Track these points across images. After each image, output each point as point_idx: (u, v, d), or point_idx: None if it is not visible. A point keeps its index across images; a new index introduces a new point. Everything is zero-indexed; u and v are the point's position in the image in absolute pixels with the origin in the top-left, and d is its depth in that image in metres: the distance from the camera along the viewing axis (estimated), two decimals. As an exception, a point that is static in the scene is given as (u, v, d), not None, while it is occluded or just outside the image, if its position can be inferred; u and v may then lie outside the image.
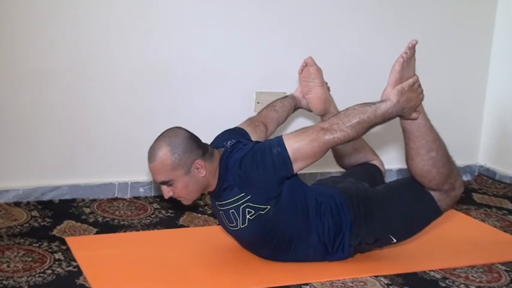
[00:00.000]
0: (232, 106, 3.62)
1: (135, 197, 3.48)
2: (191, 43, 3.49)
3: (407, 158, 2.75)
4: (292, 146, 2.53)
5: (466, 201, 3.75)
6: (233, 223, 2.64)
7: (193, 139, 2.60)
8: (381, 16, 3.85)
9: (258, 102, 3.67)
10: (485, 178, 4.10)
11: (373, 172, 3.19)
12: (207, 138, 3.44)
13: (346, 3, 3.77)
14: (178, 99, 3.51)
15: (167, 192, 2.58)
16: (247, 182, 2.56)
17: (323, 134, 2.53)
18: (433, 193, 2.75)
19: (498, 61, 4.16)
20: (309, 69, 3.14)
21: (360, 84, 3.87)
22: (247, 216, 2.59)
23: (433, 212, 2.79)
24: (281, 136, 2.59)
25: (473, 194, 3.94)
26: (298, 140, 2.54)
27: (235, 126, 3.56)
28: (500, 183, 4.01)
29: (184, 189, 2.57)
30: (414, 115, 2.70)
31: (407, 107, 2.64)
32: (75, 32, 3.26)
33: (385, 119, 2.67)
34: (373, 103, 2.67)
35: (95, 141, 3.38)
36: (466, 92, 4.20)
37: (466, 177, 4.12)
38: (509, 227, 3.26)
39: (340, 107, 3.80)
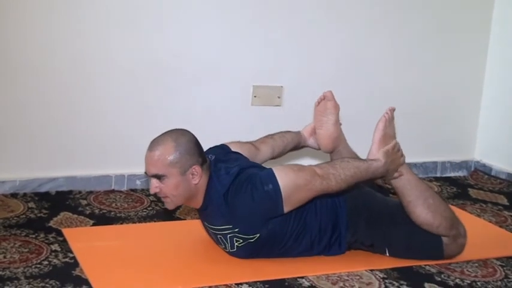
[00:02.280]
0: (230, 100, 3.64)
1: (131, 190, 3.48)
2: (188, 38, 3.49)
3: (410, 214, 2.75)
4: (286, 187, 2.50)
5: (461, 196, 3.77)
6: (222, 246, 2.67)
7: (197, 145, 2.60)
8: (378, 12, 3.86)
9: (255, 96, 3.68)
10: (481, 174, 4.11)
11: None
12: (205, 131, 3.46)
13: (345, 5, 3.78)
14: (175, 93, 3.51)
15: (155, 187, 2.54)
16: (234, 216, 2.56)
17: (319, 182, 2.53)
18: (442, 238, 2.78)
19: (494, 58, 4.16)
20: (327, 103, 3.06)
21: (353, 75, 3.90)
22: (236, 244, 2.61)
23: (435, 252, 2.80)
24: (271, 170, 2.55)
25: (469, 189, 3.95)
26: (292, 182, 2.51)
27: (231, 122, 3.60)
28: (496, 179, 4.02)
29: (173, 189, 2.54)
30: (396, 174, 2.74)
31: (392, 168, 2.70)
32: (73, 30, 3.27)
33: (373, 177, 2.73)
34: (365, 160, 2.71)
35: (92, 134, 3.39)
36: (462, 89, 4.20)
37: (462, 173, 4.13)
38: (504, 223, 3.27)
39: (345, 105, 3.84)
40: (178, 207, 3.13)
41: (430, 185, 3.68)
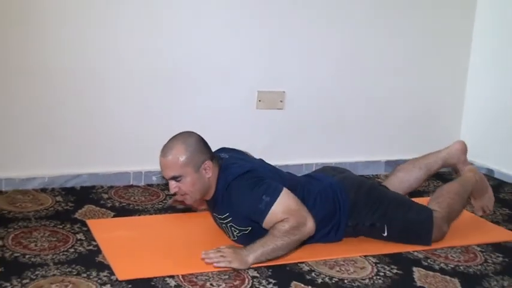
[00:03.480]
0: (237, 103, 3.63)
1: (148, 185, 3.49)
2: (198, 46, 3.48)
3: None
4: (277, 210, 2.46)
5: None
6: (227, 235, 2.69)
7: (204, 143, 2.60)
8: (372, 21, 3.85)
9: (259, 100, 3.67)
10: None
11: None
12: (214, 132, 3.47)
13: (338, 11, 3.75)
14: (188, 97, 3.50)
15: (174, 187, 2.54)
16: (230, 205, 2.56)
17: (298, 229, 2.48)
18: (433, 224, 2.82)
19: (476, 63, 4.13)
20: None
21: (348, 82, 3.88)
22: (234, 233, 2.63)
23: (425, 236, 2.83)
24: (281, 189, 2.51)
25: (453, 183, 3.95)
26: (283, 212, 2.47)
27: (238, 123, 3.60)
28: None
29: (191, 186, 2.54)
30: None
31: None
32: (95, 35, 3.26)
33: None
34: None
35: (113, 135, 3.39)
36: (446, 93, 4.18)
37: (447, 169, 4.12)
38: (484, 213, 3.27)
39: (333, 103, 3.84)
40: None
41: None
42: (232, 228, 2.62)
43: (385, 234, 2.79)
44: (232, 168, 2.60)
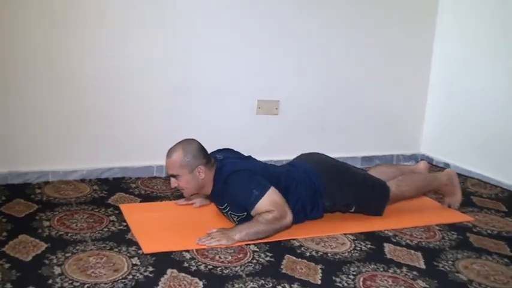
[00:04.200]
0: (240, 110, 3.63)
1: (168, 176, 3.48)
2: (210, 63, 3.47)
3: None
4: (264, 203, 2.47)
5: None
6: (230, 220, 2.68)
7: (202, 150, 2.61)
8: (349, 42, 3.84)
9: (259, 107, 3.67)
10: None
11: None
12: (221, 133, 3.49)
13: (321, 39, 3.73)
14: (200, 104, 3.50)
15: (173, 182, 2.61)
16: (227, 196, 2.58)
17: (279, 220, 2.48)
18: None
19: (436, 73, 4.11)
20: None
21: (333, 92, 3.87)
22: (235, 218, 2.64)
23: (379, 211, 2.89)
24: (269, 186, 2.51)
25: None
26: (269, 205, 2.47)
27: (241, 126, 3.60)
28: (436, 167, 4.01)
29: (186, 184, 2.59)
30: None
31: None
32: (126, 54, 3.27)
33: None
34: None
35: (139, 135, 3.39)
36: (411, 99, 4.16)
37: (412, 163, 4.13)
38: (442, 199, 3.26)
39: (318, 110, 3.84)
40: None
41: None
42: (232, 215, 2.63)
43: (353, 210, 2.83)
44: (226, 166, 2.61)
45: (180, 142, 2.61)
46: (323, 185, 2.72)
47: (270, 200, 2.49)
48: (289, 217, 2.52)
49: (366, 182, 2.87)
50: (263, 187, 2.51)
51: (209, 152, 2.69)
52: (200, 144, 2.63)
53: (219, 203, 2.69)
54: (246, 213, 2.57)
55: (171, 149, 2.59)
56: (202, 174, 2.58)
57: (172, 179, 2.61)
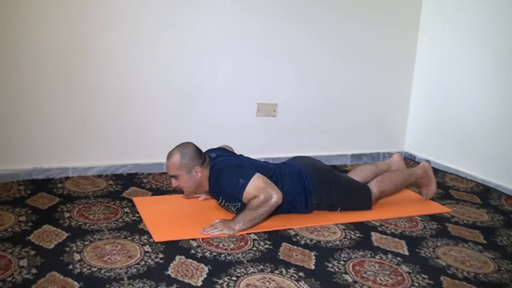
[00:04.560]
0: (242, 112, 3.63)
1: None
2: (215, 70, 3.48)
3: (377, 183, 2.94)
4: (250, 188, 2.45)
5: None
6: (229, 211, 2.69)
7: (198, 152, 2.62)
8: (340, 52, 3.85)
9: (258, 110, 3.67)
10: (409, 160, 4.12)
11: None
12: (225, 133, 3.49)
13: (315, 50, 3.74)
14: (206, 107, 3.50)
15: (174, 183, 2.62)
16: (221, 189, 2.59)
17: (267, 202, 2.45)
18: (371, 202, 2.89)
19: (418, 79, 4.11)
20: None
21: (325, 97, 3.87)
22: (232, 209, 2.64)
23: (363, 209, 2.89)
24: (254, 174, 2.49)
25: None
26: (254, 190, 2.45)
27: (242, 127, 3.61)
28: (418, 163, 4.00)
29: (185, 183, 2.61)
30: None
31: None
32: (134, 59, 3.28)
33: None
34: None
35: (151, 135, 3.39)
36: (396, 103, 4.16)
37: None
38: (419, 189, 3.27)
39: (312, 112, 3.85)
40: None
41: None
42: (229, 206, 2.64)
43: (338, 210, 2.83)
44: (217, 164, 2.62)
45: (177, 146, 2.62)
46: (312, 184, 2.73)
47: (254, 186, 2.46)
48: (275, 196, 2.46)
49: (350, 186, 2.89)
50: (247, 175, 2.50)
51: (204, 151, 2.69)
52: (196, 146, 2.64)
53: (216, 197, 2.71)
54: (240, 203, 2.56)
55: (170, 152, 2.60)
56: (199, 174, 2.60)
57: (173, 180, 2.62)
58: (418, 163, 4.00)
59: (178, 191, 3.10)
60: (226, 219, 2.55)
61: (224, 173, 2.56)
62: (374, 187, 2.90)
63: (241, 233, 2.50)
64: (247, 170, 2.55)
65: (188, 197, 2.95)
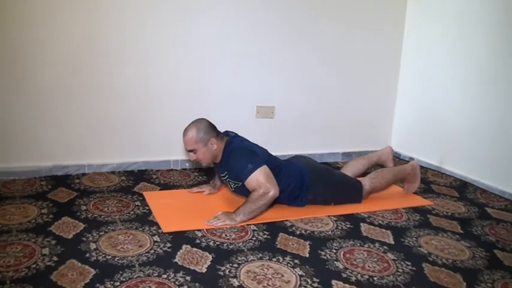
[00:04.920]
0: (242, 114, 3.63)
1: (183, 169, 3.49)
2: (218, 75, 3.47)
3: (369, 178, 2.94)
4: (254, 176, 2.45)
5: (382, 171, 3.78)
6: (228, 187, 2.68)
7: (211, 126, 2.61)
8: (332, 59, 3.84)
9: (257, 112, 3.67)
10: (394, 157, 4.10)
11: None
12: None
13: (308, 57, 3.73)
14: (209, 109, 3.46)
15: (192, 156, 2.59)
16: (228, 166, 2.57)
17: (266, 195, 2.46)
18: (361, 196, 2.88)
19: (403, 83, 4.10)
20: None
21: (319, 99, 3.86)
22: (232, 185, 2.63)
23: (355, 202, 2.88)
24: (262, 163, 2.49)
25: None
26: (257, 179, 2.45)
27: (243, 128, 3.56)
28: (403, 160, 4.02)
29: (202, 155, 2.57)
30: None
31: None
32: (145, 65, 3.28)
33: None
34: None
35: (159, 135, 3.39)
36: (382, 104, 4.15)
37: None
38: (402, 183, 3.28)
39: (306, 114, 3.84)
40: (214, 177, 3.16)
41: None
42: (230, 182, 2.62)
43: (332, 204, 2.82)
44: (235, 142, 2.61)
45: (192, 122, 2.60)
46: (310, 181, 2.73)
47: (256, 178, 2.46)
48: (272, 191, 2.46)
49: (345, 183, 2.89)
50: (257, 164, 2.49)
51: (223, 131, 2.68)
52: (209, 121, 2.62)
53: (221, 170, 2.66)
54: (240, 183, 2.56)
55: (186, 129, 2.57)
56: (215, 145, 2.57)
57: (191, 154, 2.59)
58: (404, 160, 4.03)
59: (183, 186, 3.11)
60: (229, 212, 2.55)
61: (237, 152, 2.54)
62: (367, 183, 2.90)
63: (242, 224, 2.50)
64: (258, 159, 2.54)
65: (194, 192, 2.95)
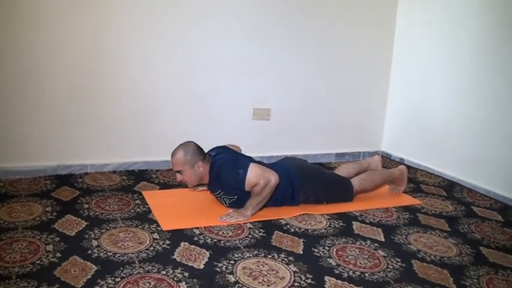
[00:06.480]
0: (239, 116, 3.63)
1: (182, 168, 3.49)
2: (217, 79, 3.47)
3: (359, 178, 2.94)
4: (250, 176, 2.46)
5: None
6: (222, 203, 2.67)
7: (198, 149, 2.61)
8: (326, 62, 3.84)
9: (254, 114, 3.67)
10: (385, 158, 4.12)
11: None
12: (225, 134, 3.48)
13: (303, 59, 3.74)
14: (209, 111, 3.50)
15: (179, 177, 2.60)
16: (221, 183, 2.57)
17: (267, 185, 2.47)
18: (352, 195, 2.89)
19: (394, 85, 4.10)
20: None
21: (312, 101, 3.86)
22: (227, 201, 2.63)
23: (347, 200, 2.88)
24: (249, 163, 2.51)
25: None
26: (254, 177, 2.46)
27: (240, 129, 3.59)
28: (394, 161, 4.03)
29: (189, 177, 2.59)
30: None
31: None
32: (149, 71, 3.27)
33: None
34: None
35: (159, 136, 3.38)
36: (374, 106, 4.15)
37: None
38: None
39: (301, 116, 3.85)
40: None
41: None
42: (225, 198, 2.62)
43: (324, 204, 2.82)
44: (217, 162, 2.61)
45: (180, 145, 2.62)
46: (300, 182, 2.72)
47: (254, 174, 2.47)
48: (273, 179, 2.49)
49: (335, 182, 2.89)
50: (245, 165, 2.51)
51: (206, 151, 2.69)
52: (196, 144, 2.64)
53: (213, 189, 2.68)
54: (236, 196, 2.56)
55: (174, 151, 2.60)
56: (201, 168, 2.59)
57: (178, 175, 2.61)
58: (394, 161, 4.04)
59: (183, 185, 3.10)
60: (238, 209, 2.56)
61: (224, 169, 2.56)
62: (356, 183, 2.91)
63: (252, 219, 2.51)
64: (243, 162, 2.56)
65: (199, 190, 2.94)
